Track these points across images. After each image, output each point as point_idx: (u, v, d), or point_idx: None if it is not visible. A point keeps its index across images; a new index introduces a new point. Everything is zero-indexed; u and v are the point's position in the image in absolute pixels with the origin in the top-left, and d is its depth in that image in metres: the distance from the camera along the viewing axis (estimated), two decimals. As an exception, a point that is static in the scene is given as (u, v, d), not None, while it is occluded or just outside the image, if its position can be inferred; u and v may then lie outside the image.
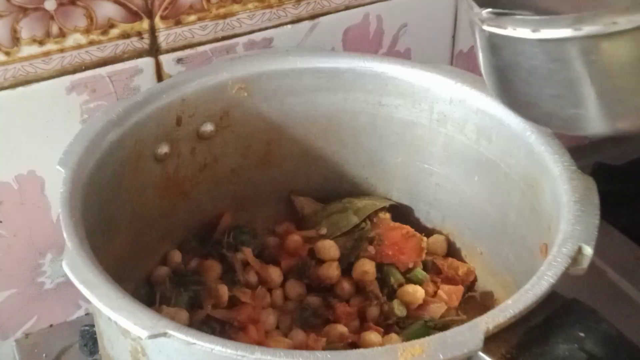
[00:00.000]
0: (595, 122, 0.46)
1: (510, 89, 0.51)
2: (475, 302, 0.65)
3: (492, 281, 0.65)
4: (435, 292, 0.64)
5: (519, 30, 0.45)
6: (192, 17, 0.65)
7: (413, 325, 0.62)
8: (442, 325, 0.60)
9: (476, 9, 0.48)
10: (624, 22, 0.41)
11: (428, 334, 0.44)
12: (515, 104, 0.52)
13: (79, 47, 0.62)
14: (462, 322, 0.44)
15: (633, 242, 0.81)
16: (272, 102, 0.65)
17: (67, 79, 0.62)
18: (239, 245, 0.67)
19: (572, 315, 0.45)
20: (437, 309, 0.63)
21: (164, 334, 0.42)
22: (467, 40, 0.80)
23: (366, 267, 0.64)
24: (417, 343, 0.41)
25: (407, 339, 0.46)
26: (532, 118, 0.52)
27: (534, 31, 0.44)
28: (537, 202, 0.56)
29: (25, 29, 0.59)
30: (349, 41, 0.73)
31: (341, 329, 0.60)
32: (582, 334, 0.44)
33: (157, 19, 0.63)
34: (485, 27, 0.47)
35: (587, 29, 0.42)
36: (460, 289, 0.65)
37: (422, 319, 0.62)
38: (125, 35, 0.63)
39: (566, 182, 0.52)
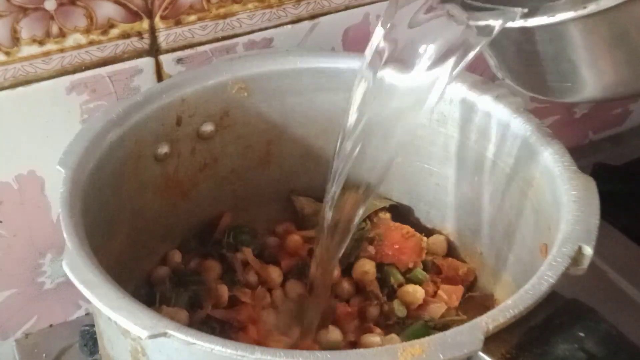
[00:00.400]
0: (579, 91, 0.51)
1: (505, 66, 0.54)
2: (475, 302, 0.65)
3: (492, 281, 0.65)
4: (436, 292, 0.65)
5: (500, 21, 0.48)
6: (192, 17, 0.65)
7: (413, 325, 0.62)
8: (442, 326, 0.61)
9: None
10: (593, 6, 0.45)
11: (428, 334, 0.44)
12: (512, 78, 0.55)
13: (79, 47, 0.61)
14: (462, 322, 0.44)
15: (633, 242, 0.81)
16: (272, 102, 0.65)
17: (67, 79, 0.62)
18: (239, 245, 0.67)
19: (572, 315, 0.45)
20: (437, 309, 0.63)
21: (164, 334, 0.42)
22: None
23: (366, 268, 0.64)
24: (417, 343, 0.41)
25: (407, 339, 0.46)
26: (525, 88, 0.55)
27: (513, 21, 0.48)
28: (537, 202, 0.56)
29: (25, 29, 0.59)
30: (349, 41, 0.73)
31: (336, 334, 0.60)
32: (582, 334, 0.44)
33: (157, 19, 0.63)
34: (471, 22, 0.50)
35: (560, 16, 0.46)
36: (460, 289, 0.65)
37: (422, 319, 0.62)
38: (125, 35, 0.63)
39: (566, 182, 0.52)
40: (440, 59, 0.51)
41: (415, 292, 0.63)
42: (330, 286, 0.62)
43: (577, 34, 0.47)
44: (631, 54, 0.48)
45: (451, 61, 0.51)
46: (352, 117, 0.55)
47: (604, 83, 0.50)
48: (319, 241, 0.59)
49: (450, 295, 0.64)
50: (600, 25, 0.46)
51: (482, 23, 0.49)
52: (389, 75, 0.53)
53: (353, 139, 0.55)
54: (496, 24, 0.49)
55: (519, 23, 0.48)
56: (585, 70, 0.49)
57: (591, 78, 0.49)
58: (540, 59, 0.50)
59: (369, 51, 0.54)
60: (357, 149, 0.55)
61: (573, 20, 0.46)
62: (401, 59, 0.53)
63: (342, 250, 0.58)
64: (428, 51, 0.52)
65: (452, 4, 0.51)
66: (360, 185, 0.55)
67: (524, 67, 0.53)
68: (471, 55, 0.50)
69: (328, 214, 0.57)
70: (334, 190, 0.56)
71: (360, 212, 0.57)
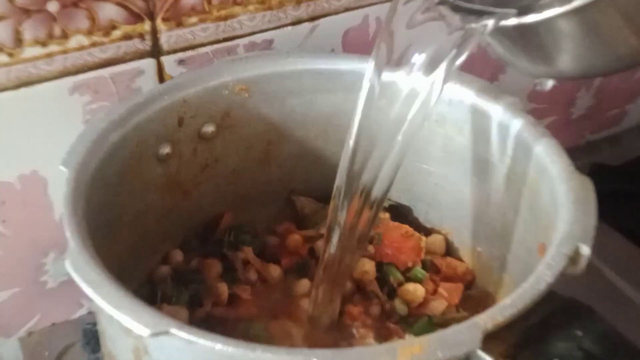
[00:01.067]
0: (573, 70, 0.53)
1: (505, 55, 0.56)
2: (474, 301, 0.65)
3: (490, 280, 0.65)
4: (435, 291, 0.65)
5: (492, 22, 0.50)
6: (194, 19, 0.65)
7: (418, 322, 0.62)
8: (444, 322, 0.61)
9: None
10: (578, 2, 0.46)
11: (434, 330, 0.44)
12: (513, 64, 0.57)
13: (82, 48, 0.62)
14: (464, 318, 0.44)
15: (630, 242, 0.81)
16: (273, 103, 0.65)
17: (70, 80, 0.62)
18: (239, 244, 0.67)
19: (570, 314, 0.45)
20: (438, 306, 0.63)
21: (166, 333, 0.42)
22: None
23: (366, 267, 0.64)
24: (416, 341, 0.42)
25: (415, 335, 0.46)
26: (525, 72, 0.57)
27: (505, 21, 0.50)
28: (535, 202, 0.56)
29: (28, 30, 0.59)
30: (348, 43, 0.73)
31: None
32: (579, 333, 0.44)
33: (158, 21, 0.64)
34: (465, 25, 0.52)
35: (547, 13, 0.47)
36: (460, 286, 0.65)
37: (426, 315, 0.62)
38: (127, 37, 0.63)
39: (564, 182, 0.53)
40: (435, 60, 0.52)
41: (416, 291, 0.63)
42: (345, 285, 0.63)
43: (566, 26, 0.48)
44: (617, 38, 0.49)
45: (445, 62, 0.52)
46: (357, 123, 0.55)
47: (598, 63, 0.52)
48: (327, 246, 0.59)
49: (450, 292, 0.64)
50: (587, 16, 0.47)
51: (475, 25, 0.50)
52: (391, 78, 0.54)
53: (361, 145, 0.55)
54: (488, 25, 0.50)
55: (511, 22, 0.49)
56: (578, 54, 0.51)
57: (584, 61, 0.51)
58: (535, 48, 0.52)
59: (373, 55, 0.54)
60: (365, 155, 0.55)
61: (561, 15, 0.47)
62: (400, 61, 0.53)
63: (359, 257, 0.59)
64: (424, 54, 0.52)
65: (446, 6, 0.52)
66: (367, 192, 0.56)
67: (521, 55, 0.54)
68: (463, 55, 0.51)
69: (339, 221, 0.57)
70: (343, 198, 0.56)
71: (373, 220, 0.57)
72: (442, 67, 0.52)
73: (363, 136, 0.55)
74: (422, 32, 0.52)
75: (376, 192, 0.55)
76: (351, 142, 0.55)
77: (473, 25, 0.50)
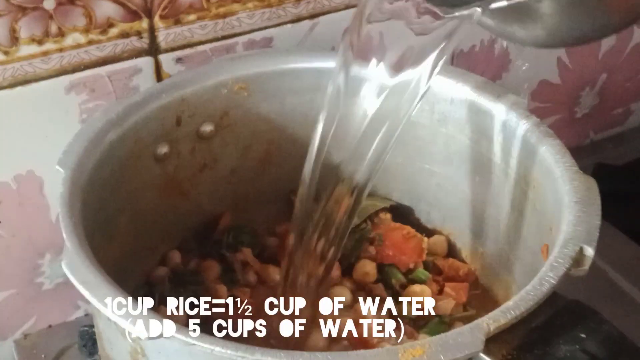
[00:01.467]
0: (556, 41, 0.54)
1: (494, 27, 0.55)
2: (476, 303, 0.65)
3: (493, 282, 0.65)
4: (439, 292, 0.64)
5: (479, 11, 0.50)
6: (192, 17, 0.65)
7: (430, 322, 0.61)
8: (451, 321, 0.61)
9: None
10: None
11: (445, 330, 0.44)
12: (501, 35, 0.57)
13: (78, 46, 0.61)
14: (473, 317, 0.44)
15: (634, 243, 0.81)
16: (273, 102, 0.65)
17: (66, 79, 0.62)
18: (238, 245, 0.67)
19: (574, 316, 0.45)
20: (446, 305, 0.62)
21: (165, 335, 0.42)
22: (468, 40, 0.80)
23: (367, 269, 0.64)
24: (417, 344, 0.41)
25: (430, 335, 0.46)
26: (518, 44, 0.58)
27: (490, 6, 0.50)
28: (538, 203, 0.56)
29: (24, 28, 0.59)
30: (349, 41, 0.73)
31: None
32: (583, 335, 0.44)
33: (156, 18, 0.63)
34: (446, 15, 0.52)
35: None
36: (466, 285, 0.64)
37: (437, 315, 0.62)
38: (124, 35, 0.63)
39: (567, 182, 0.52)
40: (417, 53, 0.51)
41: (423, 291, 0.63)
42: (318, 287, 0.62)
43: (542, 6, 0.48)
44: (591, 10, 0.49)
45: (435, 53, 0.51)
46: (325, 117, 0.55)
47: (578, 33, 0.51)
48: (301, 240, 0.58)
49: (457, 291, 0.64)
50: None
51: (466, 12, 0.50)
52: (364, 71, 0.53)
53: (336, 135, 0.55)
54: (477, 11, 0.49)
55: (500, 4, 0.49)
56: (558, 27, 0.50)
57: (563, 33, 0.51)
58: (523, 19, 0.51)
59: (341, 48, 0.54)
60: (343, 145, 0.55)
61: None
62: (374, 54, 0.53)
63: (339, 254, 0.58)
64: (402, 45, 0.52)
65: None
66: (346, 181, 0.55)
67: (508, 27, 0.54)
68: (453, 45, 0.51)
69: (310, 208, 0.57)
70: (315, 186, 0.56)
71: (353, 213, 0.56)
72: (431, 59, 0.51)
73: (337, 128, 0.55)
74: (397, 24, 0.52)
75: (356, 181, 0.55)
76: (318, 133, 0.56)
77: (464, 12, 0.49)
